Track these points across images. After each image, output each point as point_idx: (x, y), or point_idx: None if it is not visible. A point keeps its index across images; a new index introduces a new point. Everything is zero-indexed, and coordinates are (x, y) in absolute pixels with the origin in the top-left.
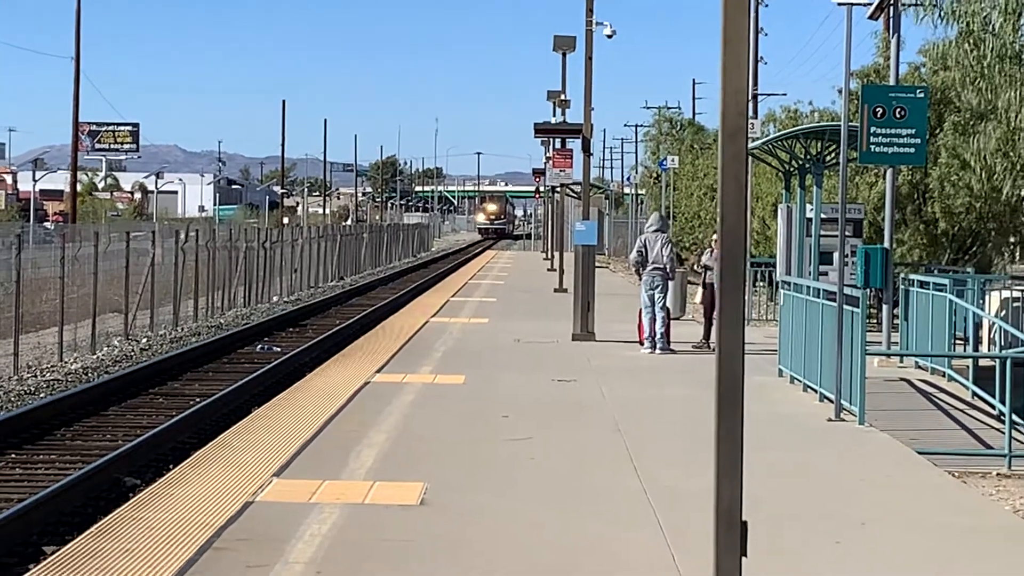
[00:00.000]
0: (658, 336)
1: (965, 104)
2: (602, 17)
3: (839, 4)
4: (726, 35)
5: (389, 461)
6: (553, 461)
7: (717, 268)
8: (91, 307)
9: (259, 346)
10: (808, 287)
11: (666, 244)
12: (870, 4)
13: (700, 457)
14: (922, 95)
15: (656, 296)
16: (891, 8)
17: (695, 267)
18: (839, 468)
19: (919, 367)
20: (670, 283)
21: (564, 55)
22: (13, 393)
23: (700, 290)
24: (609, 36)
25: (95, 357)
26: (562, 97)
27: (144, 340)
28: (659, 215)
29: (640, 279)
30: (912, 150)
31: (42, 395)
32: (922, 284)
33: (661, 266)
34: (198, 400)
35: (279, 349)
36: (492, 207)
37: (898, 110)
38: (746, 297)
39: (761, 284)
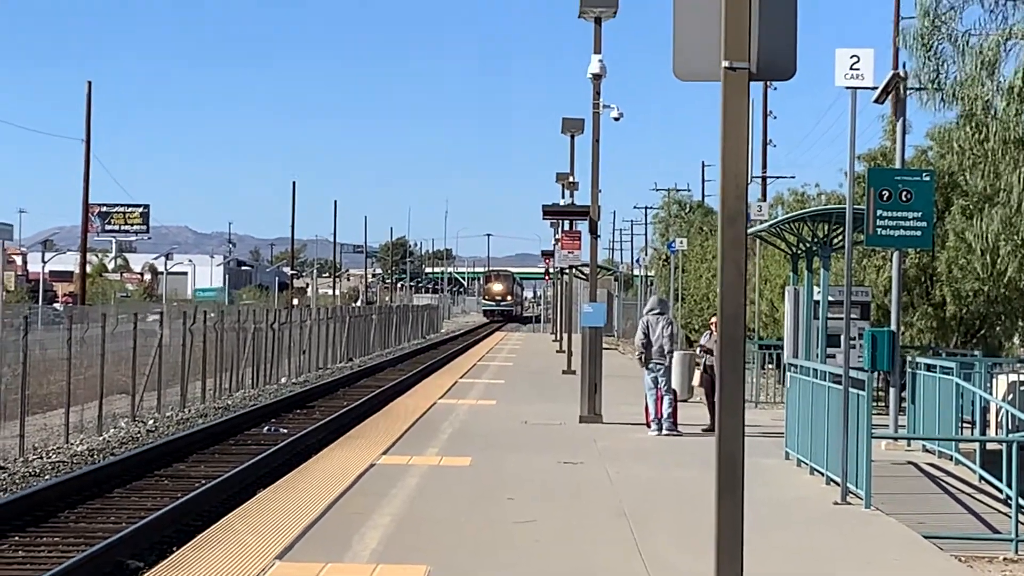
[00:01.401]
0: (665, 418)
1: (972, 187)
2: (614, 100)
3: (846, 88)
4: (725, 120)
5: (393, 543)
6: (557, 544)
7: (717, 351)
8: (98, 388)
9: (266, 428)
10: (814, 369)
11: (667, 326)
12: (875, 88)
13: (704, 540)
14: (928, 178)
15: (659, 379)
16: (896, 92)
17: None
18: (844, 551)
19: (926, 450)
20: (674, 364)
21: (572, 137)
22: (18, 475)
23: (698, 373)
24: (616, 119)
25: (101, 439)
26: (570, 179)
27: (151, 421)
28: (658, 298)
29: (643, 364)
30: (919, 233)
31: (47, 477)
32: (929, 367)
33: (661, 348)
34: (203, 482)
35: (286, 431)
36: (498, 287)
37: (904, 193)
38: (754, 379)
39: (770, 366)
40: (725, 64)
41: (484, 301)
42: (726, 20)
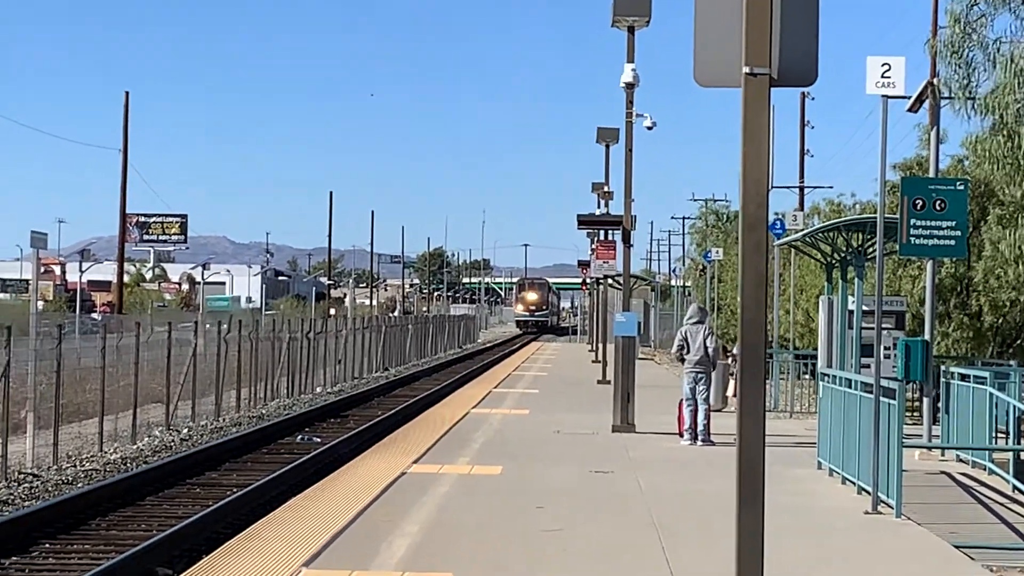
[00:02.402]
0: (699, 428)
1: (1008, 197)
2: (652, 109)
3: (882, 96)
4: (746, 126)
5: (421, 552)
6: (585, 553)
7: (740, 359)
8: (133, 397)
9: (299, 437)
10: (847, 379)
11: (709, 335)
12: (907, 96)
13: (734, 550)
14: (962, 187)
15: (698, 388)
16: (931, 101)
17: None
18: (873, 561)
19: (960, 460)
20: (713, 374)
21: (607, 147)
22: (51, 483)
23: (732, 383)
24: (649, 128)
25: (135, 447)
26: (605, 189)
27: (185, 430)
28: (697, 306)
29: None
30: (952, 242)
31: (80, 485)
32: (963, 377)
33: (703, 358)
34: (235, 490)
35: (319, 440)
36: (531, 295)
37: (938, 202)
38: (789, 389)
39: (805, 376)
40: (746, 70)
41: (517, 311)
42: (747, 26)
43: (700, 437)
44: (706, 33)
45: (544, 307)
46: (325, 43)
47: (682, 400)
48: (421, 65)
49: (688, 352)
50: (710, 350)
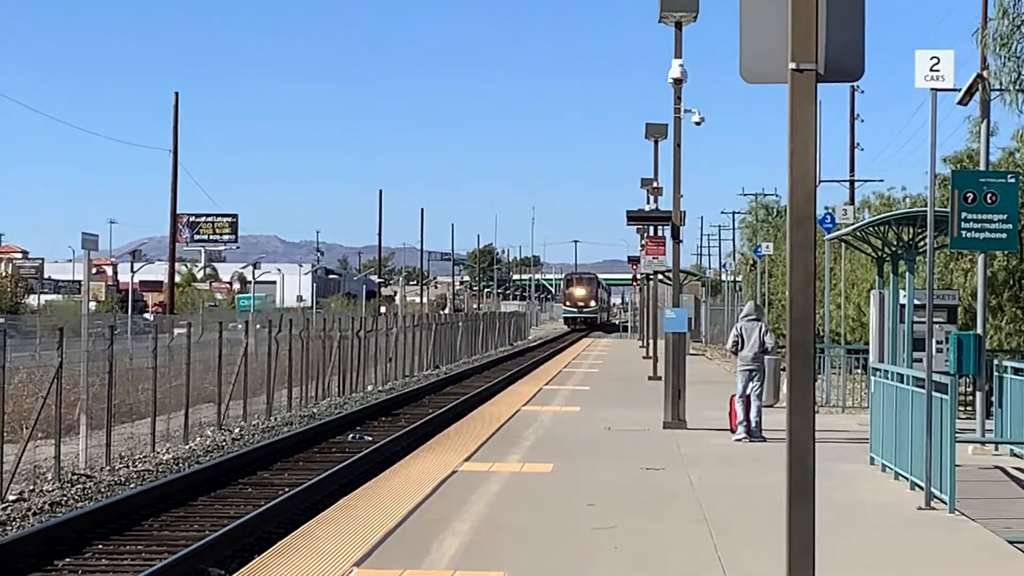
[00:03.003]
0: (753, 424)
1: None
2: (700, 104)
3: (931, 90)
4: (793, 122)
5: (472, 550)
6: (636, 550)
7: (789, 354)
8: (184, 397)
9: (351, 435)
10: (899, 374)
11: (766, 332)
12: (957, 89)
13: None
14: (1013, 180)
15: (752, 384)
16: (981, 93)
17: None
18: (925, 556)
19: (1014, 455)
20: (766, 371)
21: (656, 142)
22: (104, 484)
23: (786, 378)
24: (698, 123)
25: (187, 447)
26: (654, 184)
27: (236, 430)
28: (754, 304)
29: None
30: (1004, 235)
31: (132, 485)
32: (1016, 371)
33: (758, 354)
34: (287, 490)
35: (370, 438)
36: (580, 291)
37: (989, 195)
38: (840, 384)
39: (857, 371)
40: (792, 65)
41: (565, 307)
42: (792, 21)
43: (752, 433)
44: (752, 29)
45: (593, 303)
46: (376, 39)
47: (735, 396)
48: (471, 63)
49: (743, 348)
50: (768, 346)
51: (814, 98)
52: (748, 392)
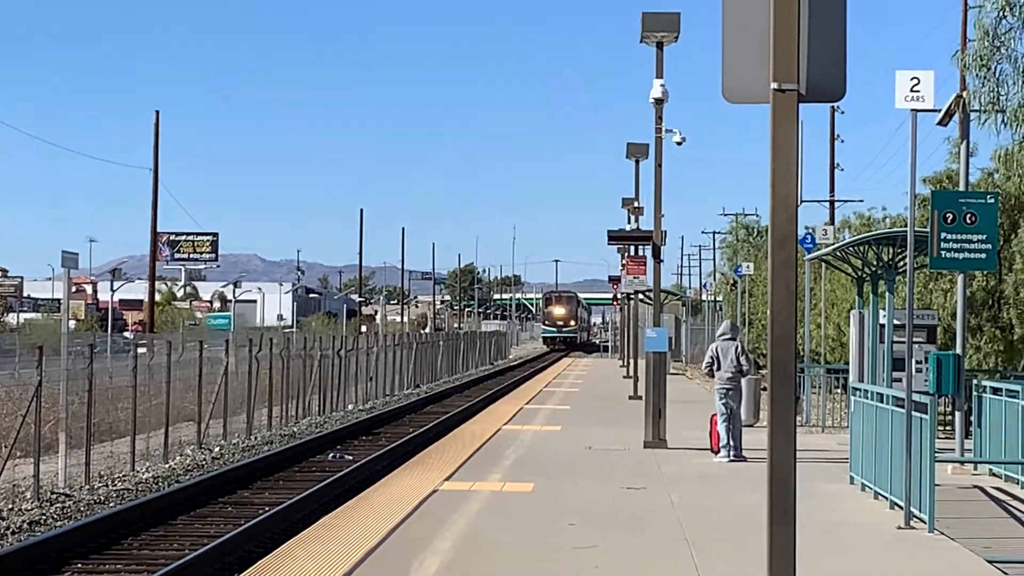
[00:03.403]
0: (732, 444)
1: None
2: (681, 123)
3: (912, 111)
4: (775, 142)
5: (453, 569)
6: (617, 569)
7: (769, 374)
8: (164, 416)
9: (331, 454)
10: (879, 393)
11: (742, 352)
12: (937, 110)
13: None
14: (993, 201)
15: (730, 404)
16: (960, 114)
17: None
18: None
19: (993, 474)
20: (744, 390)
21: (637, 162)
22: (83, 502)
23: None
24: (679, 143)
25: (167, 466)
26: (635, 204)
27: (217, 449)
28: (730, 322)
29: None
30: (983, 256)
31: (112, 504)
32: (995, 390)
33: (734, 374)
34: (266, 509)
35: (351, 457)
36: (560, 310)
37: (968, 216)
38: (820, 403)
39: (837, 390)
40: (774, 86)
41: (544, 326)
42: (774, 41)
43: (733, 453)
44: (734, 50)
45: (573, 322)
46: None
47: (715, 415)
48: (450, 82)
49: (719, 368)
50: (744, 367)
51: (796, 118)
52: (728, 411)
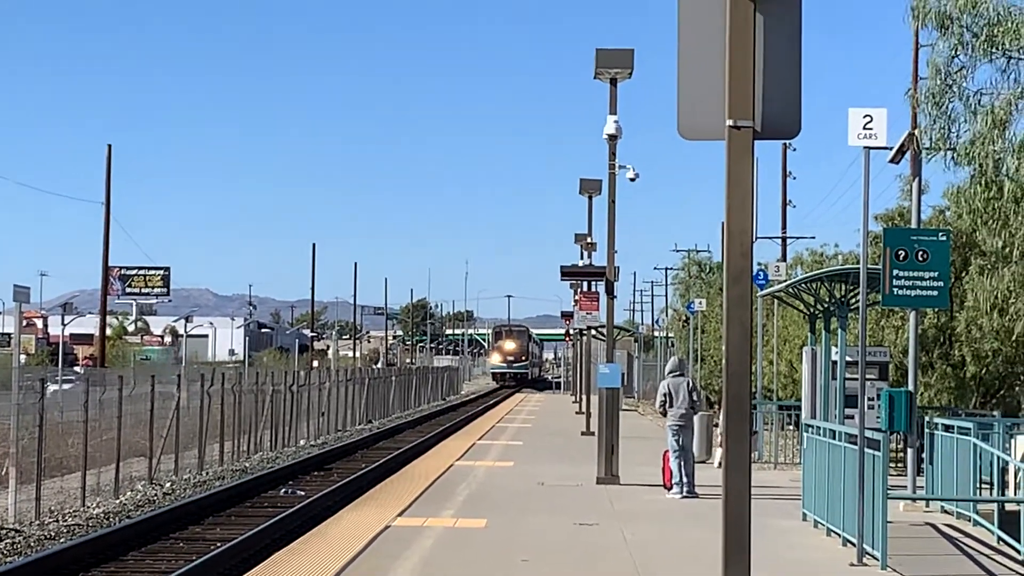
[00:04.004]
0: (684, 480)
1: (989, 247)
2: (634, 158)
3: (864, 148)
4: (730, 178)
5: None
6: None
7: (723, 411)
8: (115, 451)
9: (283, 490)
10: (831, 430)
11: (693, 388)
12: (889, 148)
13: None
14: (944, 238)
15: (683, 440)
16: (912, 151)
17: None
18: None
19: (945, 511)
20: (696, 426)
21: (590, 198)
22: (33, 538)
23: (718, 434)
24: (632, 179)
25: (118, 502)
26: (588, 240)
27: (168, 484)
28: (678, 359)
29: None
30: (935, 293)
31: (62, 540)
32: (947, 428)
33: (687, 410)
34: (218, 544)
35: (303, 493)
36: (510, 344)
37: (920, 253)
38: (773, 440)
39: (789, 427)
40: (729, 123)
41: (492, 362)
42: (730, 79)
43: (686, 489)
44: (690, 86)
45: (524, 357)
46: (305, 93)
47: (667, 452)
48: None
49: (672, 405)
50: (696, 403)
51: (751, 155)
52: (681, 448)
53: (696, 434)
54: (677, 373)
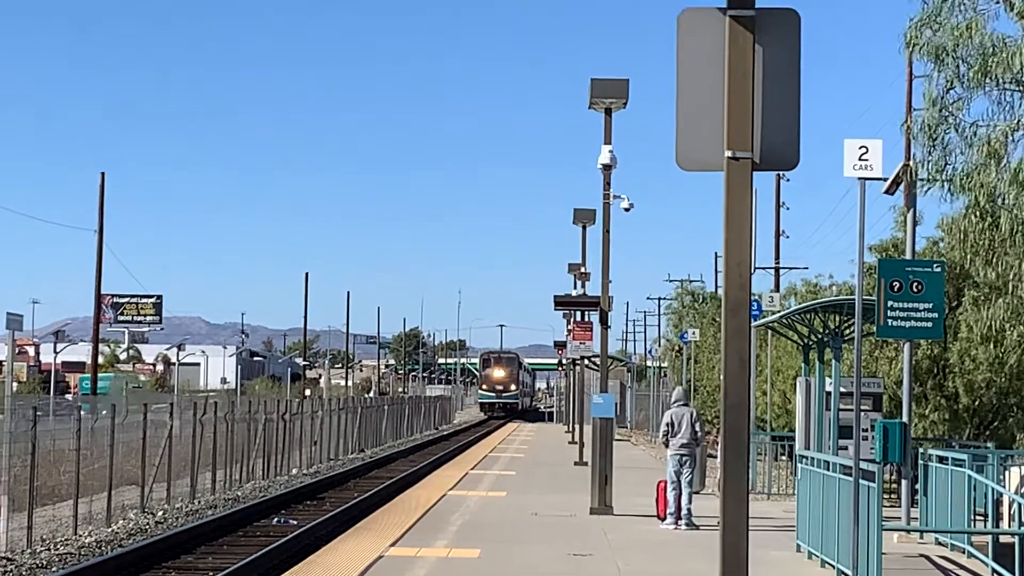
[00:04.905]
0: (683, 511)
1: (983, 278)
2: (628, 188)
3: (859, 179)
4: (729, 210)
5: None
6: None
7: (721, 441)
8: (107, 480)
9: (275, 519)
10: (825, 461)
11: (696, 420)
12: (885, 179)
13: None
14: (939, 269)
15: (683, 471)
16: (907, 183)
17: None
18: None
19: (939, 543)
20: (697, 457)
21: (584, 228)
22: (25, 567)
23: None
24: (627, 209)
25: (110, 530)
26: (582, 270)
27: (160, 513)
28: (682, 389)
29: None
30: (929, 324)
31: (54, 569)
32: (941, 459)
33: (689, 441)
34: (211, 574)
35: (295, 522)
36: (499, 372)
37: (915, 284)
38: (767, 471)
39: (783, 458)
40: (728, 154)
41: (481, 391)
42: (729, 110)
43: (684, 520)
44: (689, 118)
45: (514, 386)
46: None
47: (663, 482)
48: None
49: (674, 435)
50: (699, 434)
51: (750, 186)
52: (679, 479)
53: (696, 464)
54: (681, 403)
